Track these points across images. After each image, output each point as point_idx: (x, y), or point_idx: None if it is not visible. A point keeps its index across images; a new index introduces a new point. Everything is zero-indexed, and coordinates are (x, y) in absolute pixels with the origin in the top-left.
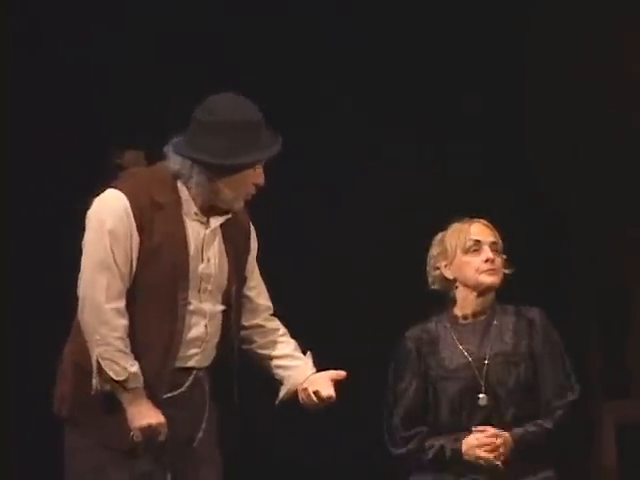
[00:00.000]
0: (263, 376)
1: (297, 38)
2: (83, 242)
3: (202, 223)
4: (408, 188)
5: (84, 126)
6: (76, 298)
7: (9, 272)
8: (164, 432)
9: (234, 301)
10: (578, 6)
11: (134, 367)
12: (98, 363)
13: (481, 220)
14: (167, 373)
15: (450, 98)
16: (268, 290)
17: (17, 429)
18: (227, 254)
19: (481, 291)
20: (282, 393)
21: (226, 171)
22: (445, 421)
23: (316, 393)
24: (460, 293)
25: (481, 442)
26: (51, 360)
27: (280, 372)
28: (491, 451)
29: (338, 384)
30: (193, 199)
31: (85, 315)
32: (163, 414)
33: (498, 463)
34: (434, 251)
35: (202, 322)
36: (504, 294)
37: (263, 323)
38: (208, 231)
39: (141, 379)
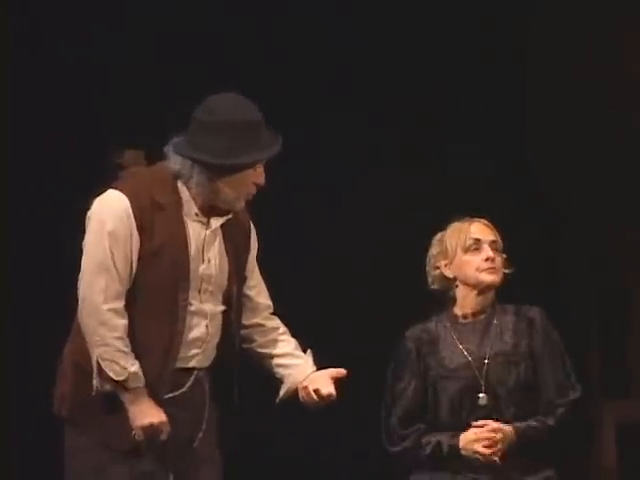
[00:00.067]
0: (263, 376)
1: (297, 38)
2: (84, 243)
3: (203, 224)
4: (408, 188)
5: (84, 126)
6: (76, 298)
7: (9, 272)
8: (166, 431)
9: (235, 301)
10: (578, 6)
11: (134, 367)
12: (98, 364)
13: (481, 219)
14: (168, 373)
15: (450, 98)
16: (268, 290)
17: (17, 429)
18: (227, 254)
19: (481, 290)
20: (282, 392)
21: (226, 171)
22: (445, 421)
23: (316, 391)
24: (460, 292)
25: (479, 437)
26: (51, 360)
27: (280, 371)
28: (489, 446)
29: (338, 382)
30: (193, 199)
31: (84, 316)
32: (165, 413)
33: (496, 459)
34: (434, 251)
35: (203, 323)
36: (504, 294)
37: (263, 322)
38: (208, 232)
39: (142, 378)
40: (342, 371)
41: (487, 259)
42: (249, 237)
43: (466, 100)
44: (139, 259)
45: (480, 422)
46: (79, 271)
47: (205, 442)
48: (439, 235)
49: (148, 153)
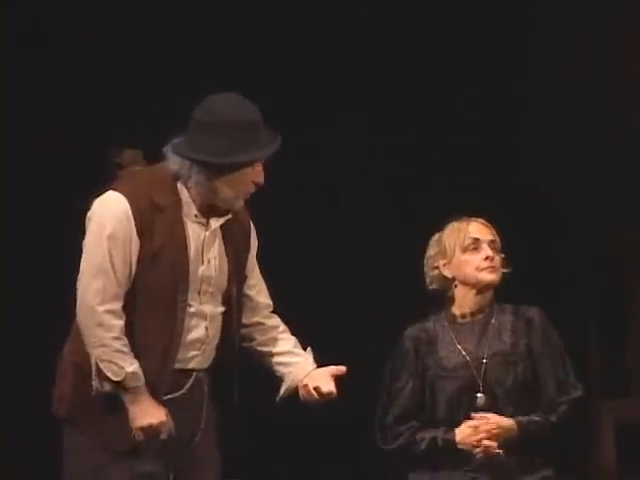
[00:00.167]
0: (262, 376)
1: (297, 38)
2: (83, 244)
3: (202, 225)
4: (408, 188)
5: (84, 126)
6: (76, 299)
7: (9, 272)
8: (166, 431)
9: (235, 302)
10: (578, 6)
11: (132, 366)
12: (97, 365)
13: (479, 219)
14: (167, 375)
15: (450, 98)
16: (268, 290)
17: (17, 429)
18: (227, 255)
19: (480, 289)
20: (283, 390)
21: (225, 170)
22: (442, 420)
23: (316, 389)
24: (459, 292)
25: (479, 430)
26: (51, 360)
27: (280, 369)
28: (487, 439)
29: (338, 380)
30: (193, 200)
31: (81, 318)
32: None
33: (498, 451)
34: (432, 251)
35: (202, 324)
36: (504, 294)
37: (263, 321)
38: (208, 233)
39: (141, 378)
40: (342, 368)
41: (486, 258)
42: (249, 236)
43: (466, 100)
44: (138, 261)
45: (480, 415)
46: (79, 271)
47: (204, 443)
48: (437, 235)
49: (147, 152)
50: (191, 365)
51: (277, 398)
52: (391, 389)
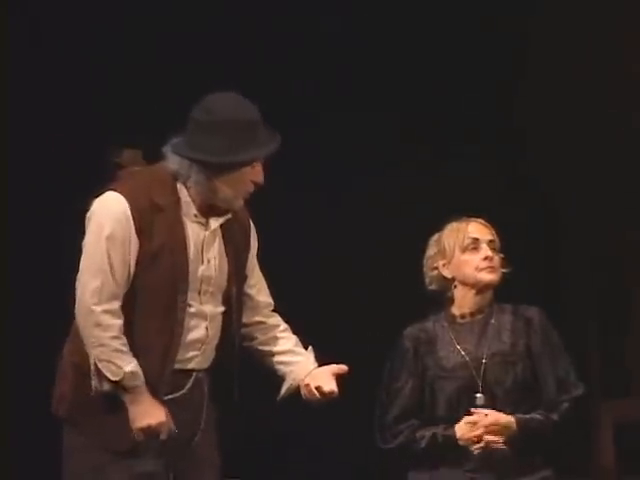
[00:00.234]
0: (262, 376)
1: (297, 38)
2: (83, 243)
3: (202, 224)
4: (408, 188)
5: (84, 126)
6: (75, 298)
7: (9, 272)
8: (165, 432)
9: (235, 301)
10: (578, 6)
11: (130, 366)
12: (96, 365)
13: (478, 219)
14: (167, 375)
15: (450, 98)
16: (268, 290)
17: (17, 429)
18: (227, 255)
19: (480, 289)
20: (284, 389)
21: (225, 169)
22: (441, 420)
23: (318, 388)
24: (458, 292)
25: (479, 426)
26: (51, 360)
27: (282, 368)
28: (487, 434)
29: (340, 378)
30: (192, 200)
31: (80, 318)
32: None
33: (502, 446)
34: (431, 251)
35: (203, 324)
36: (504, 294)
37: (264, 320)
38: (208, 232)
39: (140, 377)
40: (344, 367)
41: (486, 258)
42: (249, 236)
43: (466, 100)
44: (138, 261)
45: (479, 410)
46: (78, 271)
47: (204, 443)
48: (436, 236)
49: (147, 153)
50: (191, 365)
51: (278, 397)
52: (390, 389)
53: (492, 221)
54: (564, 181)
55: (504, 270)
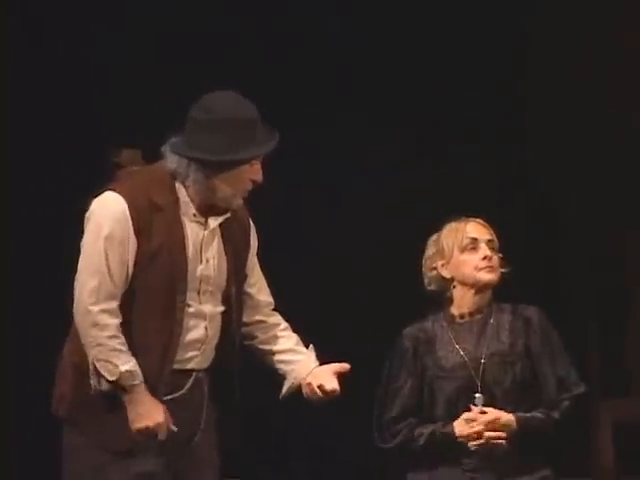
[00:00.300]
0: (261, 376)
1: (297, 38)
2: (81, 243)
3: (200, 224)
4: (408, 188)
5: (84, 126)
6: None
7: (9, 272)
8: (163, 433)
9: (234, 301)
10: (578, 6)
11: (127, 365)
12: (94, 365)
13: (477, 219)
14: (165, 375)
15: (450, 98)
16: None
17: (17, 429)
18: (226, 254)
19: (479, 288)
20: (286, 388)
21: (223, 167)
22: (441, 420)
23: (320, 387)
24: (458, 292)
25: (477, 422)
26: (51, 360)
27: (283, 367)
28: (487, 431)
29: (342, 377)
30: (191, 199)
31: (78, 318)
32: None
33: (501, 441)
34: (430, 252)
35: (202, 324)
36: (503, 294)
37: (264, 319)
38: (207, 232)
39: (138, 376)
40: (345, 366)
41: (484, 258)
42: (248, 235)
43: (466, 100)
44: (137, 261)
45: (478, 408)
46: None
47: (203, 443)
48: (435, 236)
49: (147, 153)
50: (190, 365)
51: (280, 396)
52: (389, 388)
53: (492, 221)
54: (564, 181)
55: (503, 270)
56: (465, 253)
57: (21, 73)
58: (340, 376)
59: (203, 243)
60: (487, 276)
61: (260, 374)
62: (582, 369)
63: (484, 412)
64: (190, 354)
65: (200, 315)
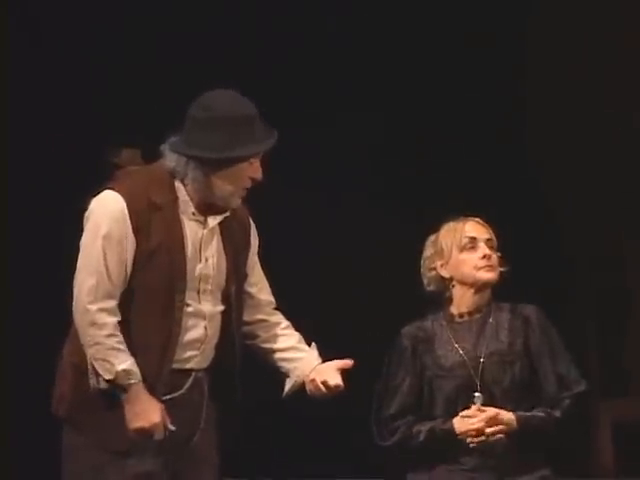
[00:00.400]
0: (261, 375)
1: (297, 38)
2: (80, 243)
3: (200, 223)
4: (408, 188)
5: (84, 126)
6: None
7: (9, 272)
8: (159, 433)
9: (234, 300)
10: (576, 6)
11: (124, 364)
12: (92, 364)
13: (475, 218)
14: (164, 375)
15: (449, 98)
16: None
17: (17, 429)
18: (226, 253)
19: (479, 287)
20: (289, 385)
21: (222, 164)
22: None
23: (324, 383)
24: (457, 291)
25: (478, 420)
26: (51, 360)
27: (285, 365)
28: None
29: (345, 373)
30: (190, 198)
31: (76, 317)
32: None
33: (501, 436)
34: (428, 252)
35: (201, 324)
36: (503, 294)
37: (266, 317)
38: (206, 231)
39: (135, 375)
40: (349, 362)
41: (484, 256)
42: (249, 234)
43: (465, 100)
44: (135, 260)
45: (477, 407)
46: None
47: (203, 442)
48: (433, 236)
49: (147, 153)
50: (189, 365)
51: (283, 394)
52: (388, 386)
53: (491, 221)
54: (563, 181)
55: (502, 269)
56: (464, 252)
57: (21, 73)
58: (343, 372)
59: (202, 242)
60: (487, 275)
61: (260, 374)
62: (581, 369)
63: (483, 410)
64: (189, 354)
65: (199, 314)
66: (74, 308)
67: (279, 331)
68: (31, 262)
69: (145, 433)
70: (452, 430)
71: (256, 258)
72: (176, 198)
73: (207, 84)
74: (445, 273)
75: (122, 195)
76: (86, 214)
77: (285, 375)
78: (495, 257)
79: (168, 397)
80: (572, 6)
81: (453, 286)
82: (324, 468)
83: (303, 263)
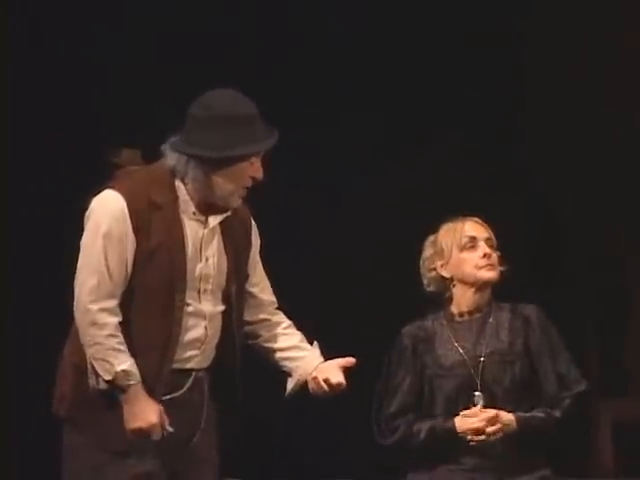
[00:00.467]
0: (261, 375)
1: (297, 38)
2: (81, 242)
3: (200, 222)
4: (408, 188)
5: (84, 126)
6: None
7: (9, 272)
8: (157, 434)
9: (235, 300)
10: (576, 6)
11: (123, 365)
12: (92, 364)
13: (474, 218)
14: (164, 375)
15: (449, 98)
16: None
17: (17, 429)
18: (226, 253)
19: (479, 287)
20: (292, 384)
21: (222, 164)
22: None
23: (326, 381)
24: (457, 291)
25: (478, 419)
26: (51, 360)
27: (288, 364)
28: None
29: (347, 372)
30: (191, 197)
31: (77, 316)
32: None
33: (499, 433)
34: (427, 253)
35: (202, 324)
36: (503, 294)
37: (268, 317)
38: (206, 230)
39: (134, 376)
40: (351, 360)
41: (484, 256)
42: (250, 234)
43: (465, 101)
44: (135, 259)
45: (478, 407)
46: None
47: (203, 442)
48: (432, 237)
49: (147, 153)
50: (190, 365)
51: (286, 393)
52: (388, 385)
53: (491, 221)
54: (563, 181)
55: (502, 268)
56: (464, 252)
57: (21, 73)
58: (346, 370)
59: (203, 241)
60: (487, 274)
61: (260, 373)
62: (581, 369)
63: (484, 411)
64: (190, 353)
65: (200, 314)
66: (75, 308)
67: (281, 330)
68: (31, 262)
69: (143, 433)
70: (453, 429)
71: (258, 258)
72: (176, 197)
73: (207, 84)
74: (445, 273)
75: (122, 194)
76: (86, 214)
77: (287, 374)
78: (495, 256)
79: (168, 397)
80: (572, 6)
81: (454, 286)
82: (324, 468)
83: (303, 263)
